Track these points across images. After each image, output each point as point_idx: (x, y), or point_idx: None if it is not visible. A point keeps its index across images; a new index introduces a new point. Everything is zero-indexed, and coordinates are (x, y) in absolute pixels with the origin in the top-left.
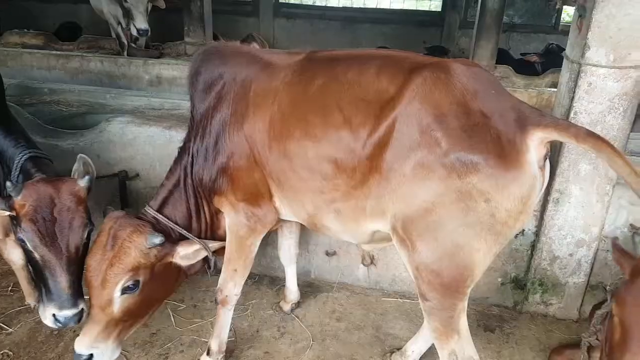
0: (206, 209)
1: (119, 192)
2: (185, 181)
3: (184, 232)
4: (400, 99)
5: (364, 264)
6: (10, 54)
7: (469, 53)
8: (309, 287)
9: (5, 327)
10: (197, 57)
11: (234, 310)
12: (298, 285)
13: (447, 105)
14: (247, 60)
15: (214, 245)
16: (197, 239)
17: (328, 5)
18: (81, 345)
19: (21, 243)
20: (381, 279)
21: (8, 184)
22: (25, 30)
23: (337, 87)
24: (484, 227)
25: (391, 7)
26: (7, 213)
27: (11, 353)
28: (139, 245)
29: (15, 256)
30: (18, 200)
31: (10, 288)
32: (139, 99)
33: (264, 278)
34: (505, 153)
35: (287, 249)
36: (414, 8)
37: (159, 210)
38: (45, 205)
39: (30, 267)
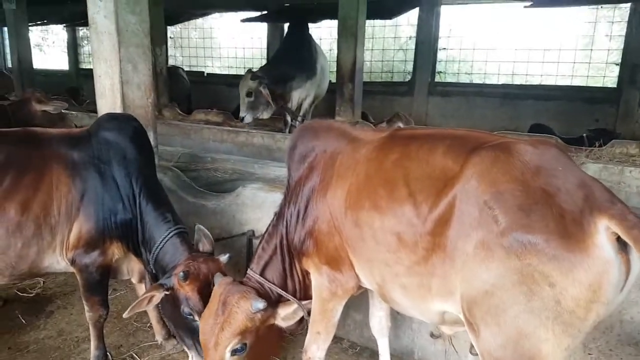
0: (298, 269)
1: (246, 248)
2: (282, 243)
3: (283, 293)
4: (460, 176)
5: (471, 353)
6: (194, 128)
7: None
8: None
9: (137, 357)
10: (295, 132)
11: None
12: None
13: (504, 183)
14: (337, 135)
15: (308, 305)
16: (295, 299)
17: (486, 82)
18: None
19: (187, 315)
20: None
21: (181, 274)
22: (209, 109)
23: (407, 164)
24: (550, 315)
25: (556, 84)
26: (166, 292)
27: None
28: (245, 311)
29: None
30: (185, 284)
31: (149, 324)
32: (280, 170)
33: (365, 350)
34: (568, 233)
35: (379, 320)
36: (583, 84)
37: (261, 273)
38: (205, 285)
39: (179, 327)
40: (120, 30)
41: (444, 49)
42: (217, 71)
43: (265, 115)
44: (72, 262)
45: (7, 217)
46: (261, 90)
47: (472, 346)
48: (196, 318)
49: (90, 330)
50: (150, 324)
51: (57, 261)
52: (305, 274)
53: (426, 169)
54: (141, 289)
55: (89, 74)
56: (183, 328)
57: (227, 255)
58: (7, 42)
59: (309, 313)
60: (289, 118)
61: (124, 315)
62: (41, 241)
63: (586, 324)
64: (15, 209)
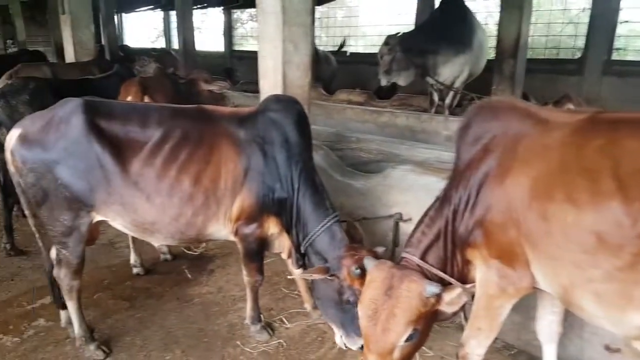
0: (459, 258)
1: (392, 232)
2: (446, 229)
3: (446, 277)
4: None
5: None
6: (337, 108)
7: None
8: None
9: (286, 322)
10: (470, 111)
11: None
12: None
13: None
14: (521, 116)
15: (472, 288)
16: (459, 283)
17: None
18: None
19: (350, 303)
20: None
21: (357, 270)
22: (352, 89)
23: (616, 153)
24: None
25: None
26: (328, 277)
27: (284, 344)
28: (419, 295)
29: (297, 271)
30: (356, 278)
31: (297, 291)
32: (430, 152)
33: (522, 354)
34: None
35: (548, 324)
36: None
37: (422, 257)
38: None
39: (330, 308)
40: (285, 9)
41: (626, 21)
42: (361, 50)
43: (402, 81)
44: (235, 233)
45: (182, 187)
46: (388, 54)
47: None
48: (355, 306)
49: (247, 293)
50: (298, 292)
51: (219, 230)
52: (465, 264)
53: None
54: (289, 264)
55: (241, 55)
56: (334, 310)
57: (383, 248)
58: (172, 24)
59: (472, 297)
60: (435, 97)
61: (290, 276)
62: (208, 211)
63: None
64: (189, 180)
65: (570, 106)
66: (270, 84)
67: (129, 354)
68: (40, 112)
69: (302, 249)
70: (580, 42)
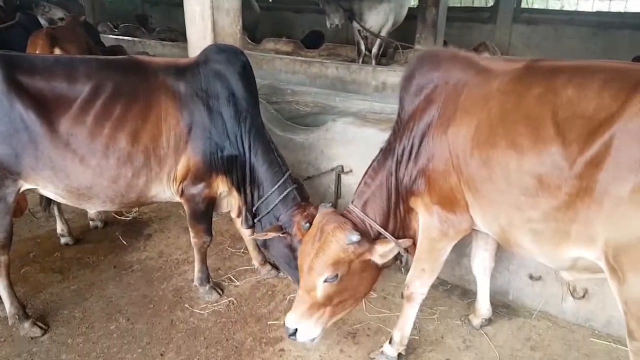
0: (401, 208)
1: (334, 184)
2: (389, 180)
3: (382, 231)
4: (621, 115)
5: (573, 297)
6: (266, 58)
7: None
8: (505, 309)
9: (235, 280)
10: (412, 61)
11: (422, 312)
12: (493, 304)
13: None
14: (463, 65)
15: (405, 243)
16: (393, 238)
17: (578, 10)
18: (290, 320)
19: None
20: (593, 317)
21: (306, 224)
22: (279, 38)
23: (554, 100)
24: None
25: None
26: (281, 234)
27: (235, 302)
28: (339, 241)
29: (248, 231)
30: (307, 232)
31: (243, 249)
32: (363, 103)
33: (456, 288)
34: None
35: (481, 260)
36: None
37: (362, 208)
38: None
39: (288, 265)
40: None
41: None
42: None
43: (336, 20)
44: (181, 193)
45: (119, 146)
46: None
47: (574, 289)
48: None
49: (195, 255)
50: (244, 250)
51: (164, 191)
52: (407, 213)
53: (577, 105)
54: (237, 222)
55: (154, 0)
56: (292, 266)
57: (329, 205)
58: None
59: (405, 251)
60: (362, 46)
61: (252, 237)
62: (149, 172)
63: None
64: (126, 139)
65: (486, 54)
66: (198, 31)
67: (69, 327)
68: None
69: (255, 209)
70: None
